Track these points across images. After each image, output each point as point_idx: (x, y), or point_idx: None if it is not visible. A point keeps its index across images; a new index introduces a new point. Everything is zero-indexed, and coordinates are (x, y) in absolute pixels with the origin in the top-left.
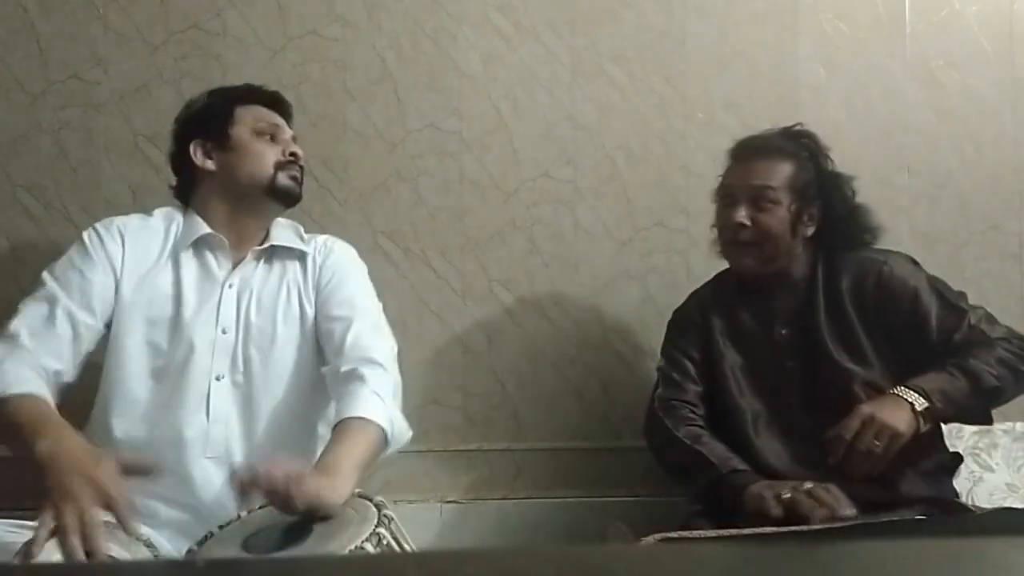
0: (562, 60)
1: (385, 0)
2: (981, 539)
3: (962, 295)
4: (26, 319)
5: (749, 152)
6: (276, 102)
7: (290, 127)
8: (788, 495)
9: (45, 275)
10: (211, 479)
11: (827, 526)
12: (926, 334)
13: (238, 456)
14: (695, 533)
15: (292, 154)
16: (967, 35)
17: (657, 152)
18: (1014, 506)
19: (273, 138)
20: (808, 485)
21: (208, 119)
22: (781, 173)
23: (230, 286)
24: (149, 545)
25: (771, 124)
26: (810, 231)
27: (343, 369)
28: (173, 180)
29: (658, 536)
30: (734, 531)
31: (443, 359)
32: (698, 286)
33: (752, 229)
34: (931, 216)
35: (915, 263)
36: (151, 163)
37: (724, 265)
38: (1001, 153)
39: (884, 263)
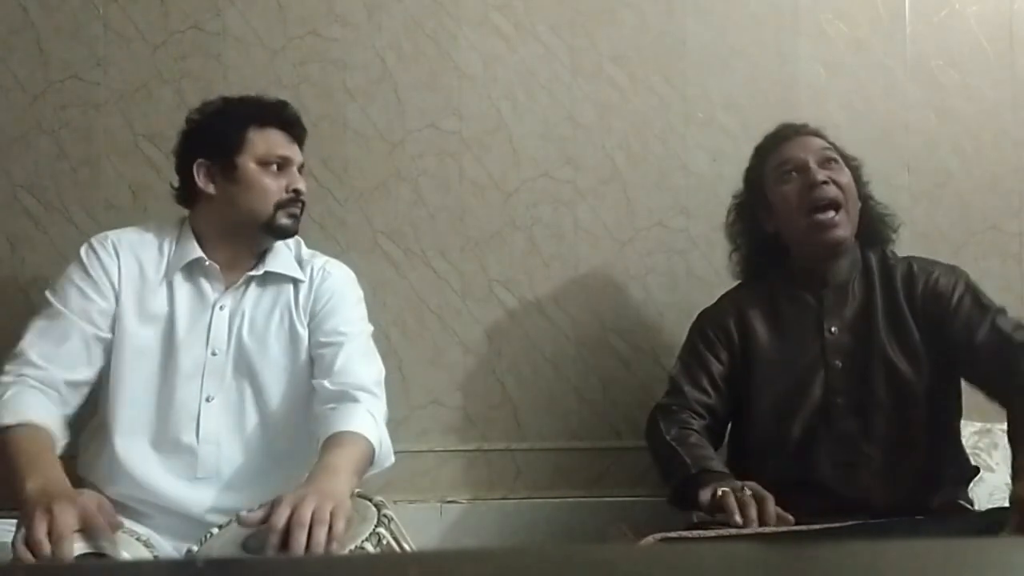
0: (562, 60)
1: (385, 0)
2: (981, 539)
3: (1002, 308)
4: (35, 337)
5: (792, 131)
6: (290, 124)
7: (301, 149)
8: (723, 490)
9: (47, 294)
10: (203, 499)
11: (826, 526)
12: (954, 328)
13: (229, 476)
14: (695, 533)
15: (295, 190)
16: (967, 35)
17: (657, 152)
18: None
19: (280, 168)
20: (747, 491)
21: (217, 141)
22: (828, 144)
23: (221, 308)
24: (149, 545)
25: (771, 124)
26: (860, 204)
27: (333, 388)
28: (173, 180)
29: (658, 536)
30: (734, 531)
31: (443, 359)
32: (697, 285)
33: (834, 187)
34: (931, 216)
35: (967, 274)
36: (151, 163)
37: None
38: (1001, 153)
39: (934, 270)
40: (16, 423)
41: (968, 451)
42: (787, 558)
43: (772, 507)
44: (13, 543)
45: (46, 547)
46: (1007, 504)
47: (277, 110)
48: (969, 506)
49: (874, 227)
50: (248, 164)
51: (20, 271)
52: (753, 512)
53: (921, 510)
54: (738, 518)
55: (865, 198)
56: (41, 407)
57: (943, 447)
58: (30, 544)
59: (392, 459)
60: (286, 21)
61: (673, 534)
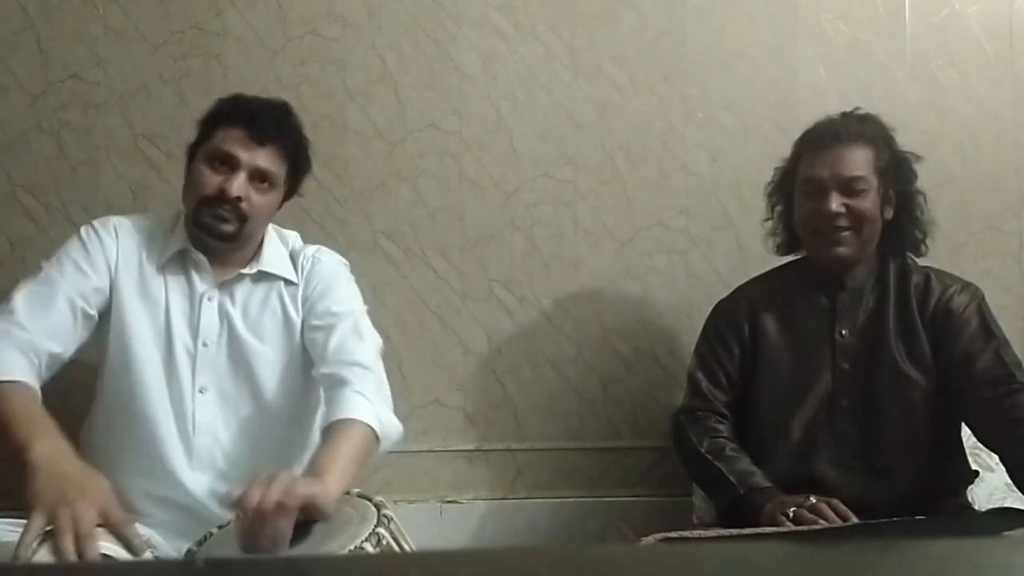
0: (562, 60)
1: (385, 0)
2: (981, 539)
3: (1006, 340)
4: (25, 299)
5: (832, 140)
6: (254, 124)
7: (277, 148)
8: (793, 510)
9: (43, 263)
10: (202, 490)
11: (827, 526)
12: (954, 345)
13: (226, 468)
14: (695, 533)
15: (221, 190)
16: (967, 35)
17: (657, 152)
18: (1014, 506)
19: (226, 166)
20: (812, 500)
21: (197, 138)
22: (867, 159)
23: (209, 299)
24: (149, 545)
25: (771, 124)
26: (889, 214)
27: (325, 372)
28: (174, 179)
29: (658, 536)
30: (734, 531)
31: (443, 359)
32: (697, 285)
33: (847, 216)
34: (931, 216)
35: (982, 295)
36: (151, 163)
37: (748, 263)
38: (1001, 153)
39: (951, 285)
40: (9, 379)
41: (968, 452)
42: (787, 558)
43: (841, 506)
44: (24, 532)
45: (71, 553)
46: (1007, 504)
47: (248, 109)
48: (969, 507)
49: (902, 233)
50: (200, 157)
51: (20, 271)
52: (831, 514)
53: (921, 513)
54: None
55: (906, 199)
56: (30, 371)
57: (945, 454)
58: (57, 548)
59: (400, 430)
60: (286, 21)
61: (673, 534)
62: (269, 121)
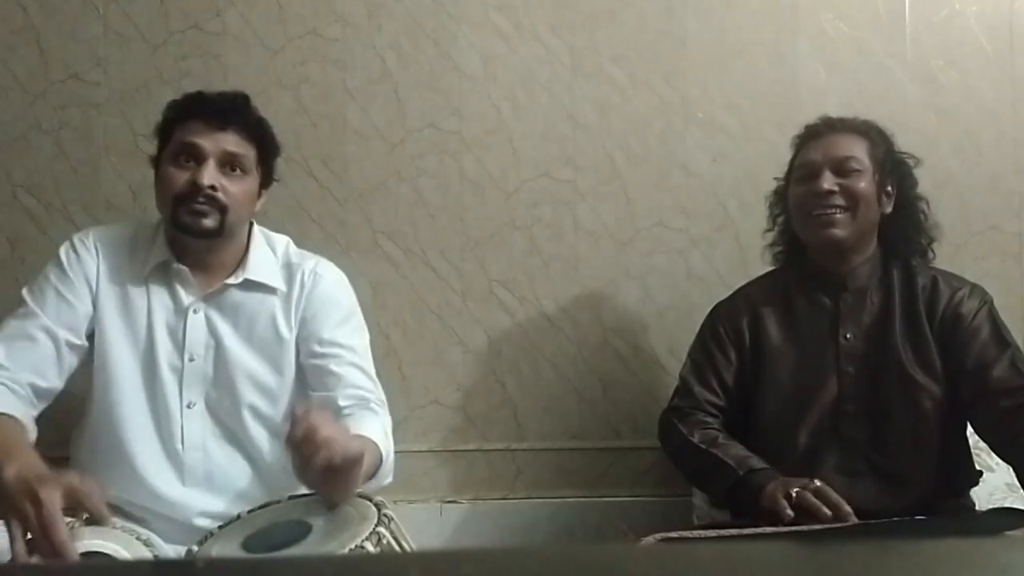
0: (562, 60)
1: (385, 0)
2: (981, 539)
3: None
4: (6, 338)
5: (826, 128)
6: (211, 112)
7: (240, 131)
8: (796, 492)
9: (24, 292)
10: (194, 506)
11: (827, 526)
12: (966, 353)
13: (220, 481)
14: (695, 533)
15: (193, 183)
16: (967, 35)
17: (657, 152)
18: (1014, 506)
19: (191, 159)
20: (816, 483)
21: (159, 144)
22: (861, 146)
23: (195, 312)
24: (149, 545)
25: (771, 124)
26: (888, 209)
27: (344, 400)
28: None
29: (658, 536)
30: (734, 531)
31: (443, 359)
32: (697, 285)
33: (840, 195)
34: (936, 221)
35: (991, 299)
36: (151, 163)
37: (748, 263)
38: (1001, 153)
39: (960, 288)
40: None
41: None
42: (787, 558)
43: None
44: (11, 542)
45: (41, 538)
46: (1007, 504)
47: (202, 99)
48: (970, 506)
49: (903, 236)
50: (164, 159)
51: (20, 271)
52: (836, 498)
53: (924, 513)
54: (827, 511)
55: (906, 202)
56: (9, 401)
57: (953, 457)
58: (27, 532)
59: (391, 478)
60: (286, 21)
61: (673, 534)
62: (226, 105)
